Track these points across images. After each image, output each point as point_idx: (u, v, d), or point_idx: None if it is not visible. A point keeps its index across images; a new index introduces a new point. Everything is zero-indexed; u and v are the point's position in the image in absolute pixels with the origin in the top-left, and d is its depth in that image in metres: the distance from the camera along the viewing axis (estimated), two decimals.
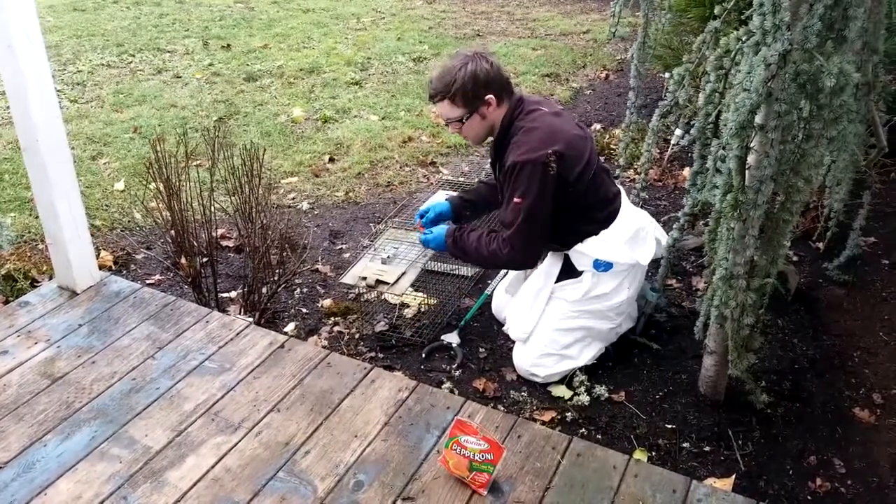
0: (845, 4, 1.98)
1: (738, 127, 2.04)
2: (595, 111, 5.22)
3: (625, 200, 2.69)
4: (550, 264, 2.65)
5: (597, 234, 2.53)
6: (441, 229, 2.64)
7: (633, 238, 2.57)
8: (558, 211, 2.44)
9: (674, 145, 4.19)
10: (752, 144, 2.12)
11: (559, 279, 2.62)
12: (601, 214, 2.55)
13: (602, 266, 2.53)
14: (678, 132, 4.02)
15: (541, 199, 2.36)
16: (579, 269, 2.56)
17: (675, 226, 2.67)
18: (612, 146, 4.43)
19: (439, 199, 3.29)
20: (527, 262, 2.55)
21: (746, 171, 2.14)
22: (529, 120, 2.41)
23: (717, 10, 2.37)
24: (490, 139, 2.59)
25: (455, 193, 2.93)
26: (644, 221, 2.67)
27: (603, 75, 5.86)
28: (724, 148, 2.12)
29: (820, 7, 1.93)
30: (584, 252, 2.53)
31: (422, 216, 2.80)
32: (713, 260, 2.29)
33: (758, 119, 2.08)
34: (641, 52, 3.10)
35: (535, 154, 2.32)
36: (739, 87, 2.04)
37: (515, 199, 2.37)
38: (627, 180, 4.06)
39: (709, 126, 2.40)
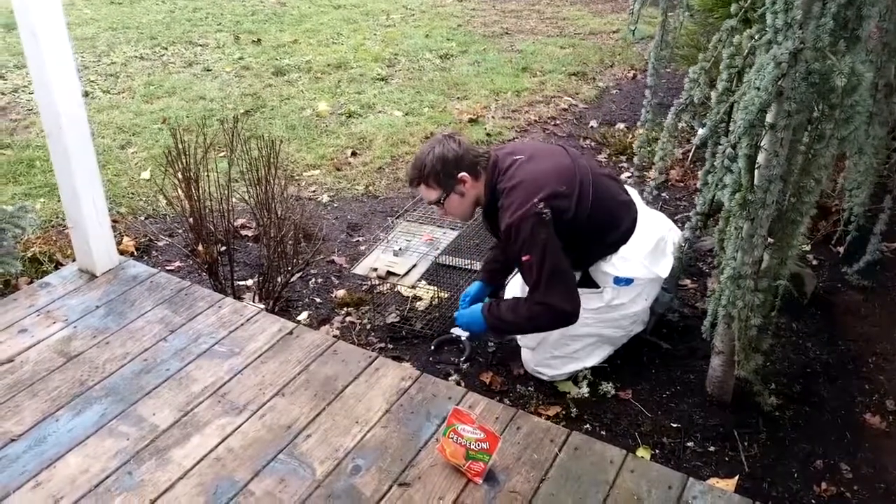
0: (859, 3, 1.96)
1: (747, 125, 2.03)
2: (620, 110, 5.21)
3: (641, 207, 2.67)
4: None
5: (616, 251, 2.51)
6: (475, 307, 2.56)
7: (653, 251, 2.56)
8: (570, 244, 2.41)
9: (697, 146, 4.17)
10: (762, 143, 2.12)
11: (578, 286, 2.61)
12: (615, 233, 2.51)
13: (623, 282, 2.53)
14: (701, 132, 3.99)
15: (548, 249, 2.32)
16: (599, 284, 2.57)
17: (686, 225, 2.67)
18: (634, 145, 4.42)
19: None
20: (569, 314, 2.38)
21: (756, 171, 2.14)
22: (507, 179, 2.41)
23: (733, 8, 2.37)
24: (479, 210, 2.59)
25: (480, 272, 2.85)
26: (662, 229, 2.65)
27: (630, 75, 5.85)
28: (733, 146, 2.12)
29: (833, 6, 1.92)
30: (605, 271, 2.53)
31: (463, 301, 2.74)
32: (722, 259, 2.29)
33: (768, 118, 2.08)
34: (659, 50, 3.09)
35: (522, 210, 2.31)
36: (749, 85, 2.04)
37: (523, 258, 2.35)
38: (650, 180, 4.05)
39: (721, 125, 2.40)
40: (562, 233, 2.35)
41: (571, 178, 2.40)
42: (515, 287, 2.68)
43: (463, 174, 2.46)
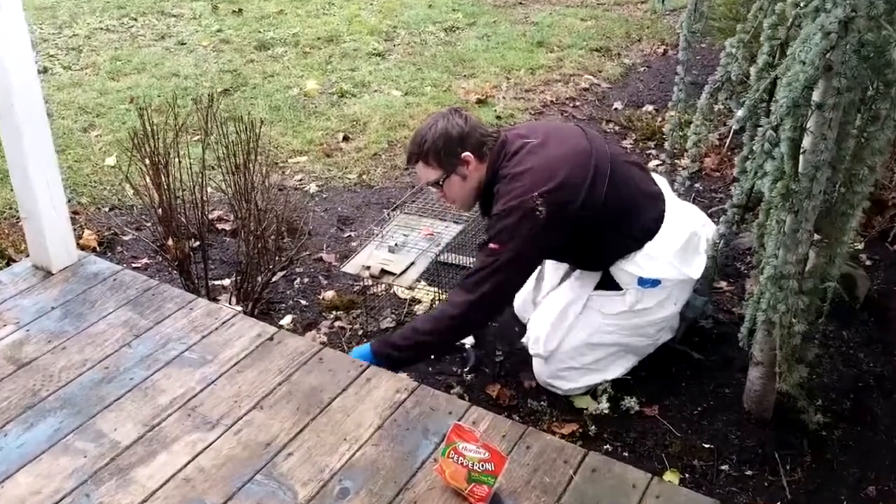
0: None
1: (791, 104, 2.02)
2: (648, 91, 5.21)
3: (671, 199, 2.66)
4: (585, 276, 2.64)
5: (640, 248, 2.51)
6: (363, 347, 2.54)
7: (684, 248, 2.54)
8: (581, 235, 2.44)
9: (735, 130, 4.15)
10: (808, 125, 2.10)
11: (598, 288, 2.61)
12: (636, 224, 2.51)
13: (648, 283, 2.52)
14: (739, 113, 3.97)
15: (524, 249, 2.35)
16: (622, 286, 2.56)
17: (722, 219, 2.65)
18: (664, 130, 4.41)
19: None
20: (481, 314, 2.48)
21: (801, 156, 2.13)
22: (513, 164, 2.42)
23: None
24: None
25: None
26: (695, 224, 2.64)
27: (660, 50, 5.84)
28: (775, 129, 2.11)
29: None
30: (628, 270, 2.52)
31: None
32: (762, 257, 2.28)
33: (815, 96, 2.07)
34: (692, 22, 3.08)
35: (517, 200, 2.34)
36: (793, 58, 2.02)
37: (491, 246, 2.37)
38: (682, 168, 4.04)
39: (761, 105, 2.39)
40: (567, 225, 2.37)
41: (585, 163, 2.41)
42: (555, 305, 2.65)
43: (467, 154, 2.46)
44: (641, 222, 2.51)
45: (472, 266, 2.54)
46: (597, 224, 2.42)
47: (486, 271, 2.39)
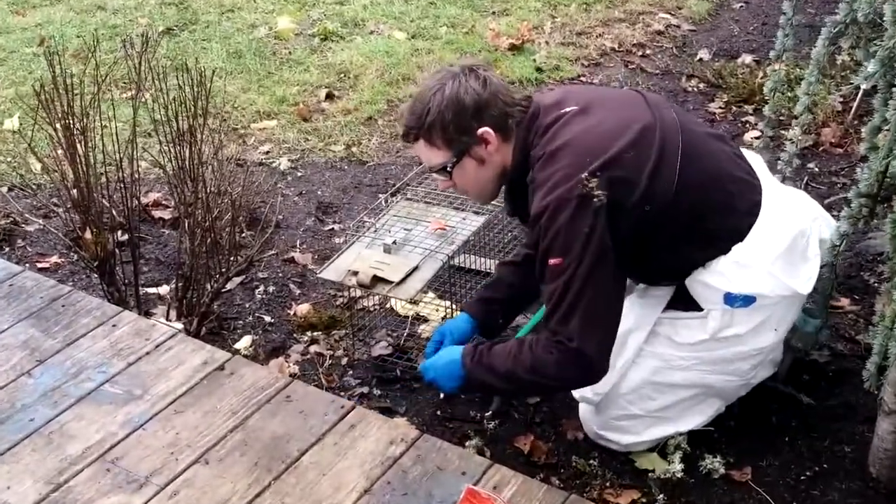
0: None
1: None
2: (745, 36, 5.22)
3: (771, 184, 2.63)
4: (652, 291, 2.64)
5: (726, 252, 2.49)
6: (452, 352, 2.53)
7: (788, 252, 2.51)
8: (643, 240, 2.42)
9: (864, 90, 4.14)
10: None
11: (669, 307, 2.60)
12: (721, 224, 2.48)
13: (739, 300, 2.50)
14: (870, 68, 3.95)
15: (592, 252, 2.31)
16: (702, 305, 2.54)
17: (844, 213, 2.64)
18: (765, 88, 4.40)
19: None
20: (595, 372, 2.41)
21: None
22: (547, 141, 2.41)
23: None
24: None
25: (473, 299, 2.89)
26: (804, 219, 2.61)
27: None
28: None
29: None
30: (710, 283, 2.50)
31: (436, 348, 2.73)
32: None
33: None
34: None
35: (562, 188, 2.31)
36: None
37: (551, 261, 2.35)
38: (788, 141, 4.03)
39: None
40: (627, 224, 2.35)
41: (647, 138, 2.37)
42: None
43: (485, 129, 2.45)
44: (728, 217, 2.48)
45: (541, 302, 2.54)
46: (665, 220, 2.39)
47: (563, 306, 2.33)
